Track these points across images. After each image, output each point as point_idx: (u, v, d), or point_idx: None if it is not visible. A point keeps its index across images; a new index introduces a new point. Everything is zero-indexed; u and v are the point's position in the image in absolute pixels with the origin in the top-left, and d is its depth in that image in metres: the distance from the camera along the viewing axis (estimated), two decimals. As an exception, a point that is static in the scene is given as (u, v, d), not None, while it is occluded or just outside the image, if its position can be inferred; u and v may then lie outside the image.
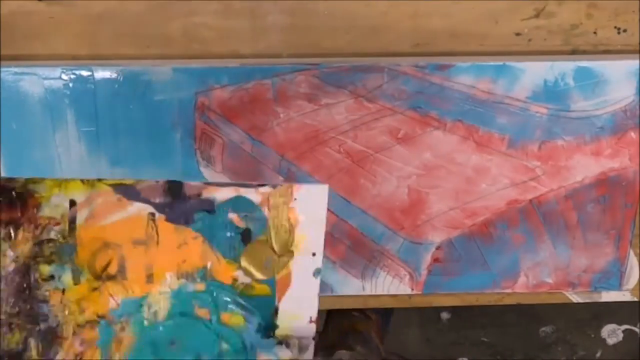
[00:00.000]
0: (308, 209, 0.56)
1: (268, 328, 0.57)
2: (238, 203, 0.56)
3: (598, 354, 1.72)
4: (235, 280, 0.56)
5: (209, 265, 0.56)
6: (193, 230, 0.56)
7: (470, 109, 0.82)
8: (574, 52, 0.82)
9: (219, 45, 0.80)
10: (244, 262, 0.56)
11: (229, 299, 0.56)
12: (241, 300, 0.56)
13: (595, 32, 0.82)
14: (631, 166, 0.85)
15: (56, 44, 0.79)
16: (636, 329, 1.72)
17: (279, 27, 0.80)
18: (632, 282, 0.92)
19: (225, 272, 0.56)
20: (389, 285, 0.89)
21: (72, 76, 0.78)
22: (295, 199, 0.56)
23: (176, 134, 0.82)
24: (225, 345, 0.56)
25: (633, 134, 0.83)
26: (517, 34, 0.81)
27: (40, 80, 0.78)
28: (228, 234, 0.56)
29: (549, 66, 0.80)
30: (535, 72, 0.80)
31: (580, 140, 0.83)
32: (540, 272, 0.90)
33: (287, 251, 0.57)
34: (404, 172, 0.84)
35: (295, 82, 0.80)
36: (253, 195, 0.56)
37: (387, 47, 0.81)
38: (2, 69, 0.78)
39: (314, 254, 0.58)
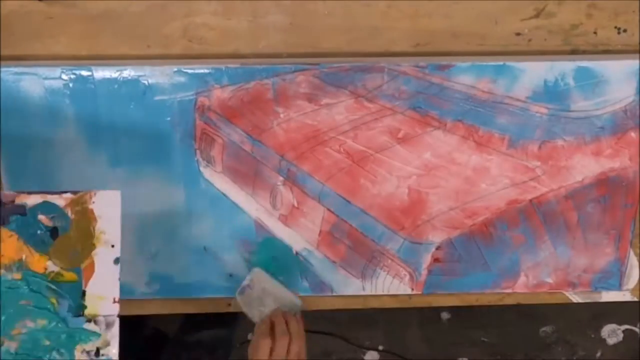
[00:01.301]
0: (104, 210, 0.70)
1: (78, 308, 0.70)
2: (46, 207, 0.69)
3: (598, 354, 1.72)
4: (46, 269, 0.69)
5: (23, 257, 0.69)
6: (9, 230, 0.69)
7: (470, 109, 0.82)
8: (574, 52, 0.82)
9: (219, 45, 0.80)
10: (53, 255, 0.69)
11: (42, 285, 0.69)
12: (52, 286, 0.69)
13: (595, 32, 0.82)
14: (631, 166, 0.85)
15: (56, 44, 0.79)
16: (636, 329, 1.72)
17: (279, 27, 0.80)
18: (632, 282, 0.92)
19: (38, 263, 0.69)
20: (389, 285, 0.89)
21: (72, 76, 0.78)
22: (93, 202, 0.70)
23: (176, 134, 0.82)
24: (42, 322, 0.70)
25: (633, 134, 0.83)
26: (517, 34, 0.81)
27: (40, 80, 0.78)
28: (38, 232, 0.69)
29: (549, 66, 0.80)
30: (535, 72, 0.80)
31: (580, 140, 0.83)
32: (540, 272, 0.90)
33: (90, 244, 0.70)
34: (404, 172, 0.84)
35: (295, 82, 0.80)
36: (58, 200, 0.70)
37: (387, 47, 0.81)
38: (2, 69, 0.78)
39: (112, 246, 0.70)
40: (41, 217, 0.69)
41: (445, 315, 1.61)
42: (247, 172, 0.84)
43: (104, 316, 0.70)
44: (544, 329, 1.70)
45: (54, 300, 0.70)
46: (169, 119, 0.81)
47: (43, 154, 0.82)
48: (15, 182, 0.83)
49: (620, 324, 1.72)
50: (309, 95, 0.80)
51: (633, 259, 0.90)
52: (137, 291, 0.89)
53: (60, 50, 0.80)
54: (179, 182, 0.84)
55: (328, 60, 0.80)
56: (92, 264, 0.70)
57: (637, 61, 0.80)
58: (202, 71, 0.79)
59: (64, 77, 0.78)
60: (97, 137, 0.81)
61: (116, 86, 0.79)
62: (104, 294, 0.70)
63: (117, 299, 0.70)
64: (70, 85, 0.79)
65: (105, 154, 0.82)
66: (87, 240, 0.70)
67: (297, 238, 0.87)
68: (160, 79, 0.79)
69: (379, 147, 0.83)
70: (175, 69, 0.79)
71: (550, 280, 0.90)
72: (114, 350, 0.71)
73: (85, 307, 0.70)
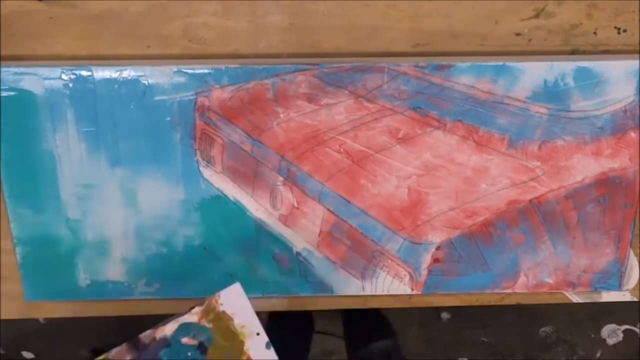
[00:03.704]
0: (234, 305, 0.72)
1: None
2: (183, 329, 0.70)
3: (598, 354, 1.72)
4: None
5: None
6: (164, 365, 0.70)
7: (470, 109, 0.82)
8: (574, 52, 0.82)
9: (219, 45, 0.80)
10: None
11: None
12: None
13: (595, 32, 0.82)
14: (631, 166, 0.85)
15: (56, 44, 0.79)
16: (636, 329, 1.72)
17: (279, 27, 0.80)
18: (632, 282, 0.92)
19: None
20: (389, 285, 0.89)
21: (72, 76, 0.78)
22: (222, 304, 0.72)
23: (176, 134, 0.82)
24: None
25: (633, 134, 0.83)
26: (517, 34, 0.81)
27: (40, 80, 0.78)
28: (189, 354, 0.70)
29: (549, 66, 0.80)
30: (535, 72, 0.80)
31: (580, 140, 0.83)
32: (540, 272, 0.90)
33: (238, 343, 0.71)
34: (404, 172, 0.84)
35: (295, 82, 0.80)
36: (191, 318, 0.71)
37: (387, 47, 0.81)
38: (2, 69, 0.78)
39: (257, 334, 0.71)
40: (184, 340, 0.70)
41: (445, 315, 1.61)
42: (247, 172, 0.84)
43: None
44: (544, 329, 1.70)
45: None
46: (169, 119, 0.81)
47: (43, 154, 0.82)
48: (14, 182, 0.83)
49: (620, 324, 1.72)
50: (309, 95, 0.80)
51: (633, 259, 0.90)
52: (137, 291, 0.89)
53: (60, 50, 0.80)
54: (179, 182, 0.84)
55: (328, 60, 0.80)
56: (248, 358, 0.71)
57: (637, 61, 0.80)
58: (202, 71, 0.79)
59: (64, 77, 0.78)
60: (97, 137, 0.81)
61: (116, 86, 0.79)
62: None
63: None
64: (70, 85, 0.79)
65: (105, 154, 0.82)
66: (233, 341, 0.71)
67: (297, 238, 0.87)
68: (160, 79, 0.79)
69: (378, 147, 0.83)
70: (175, 69, 0.79)
71: (550, 280, 0.90)
72: None
73: None
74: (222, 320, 0.71)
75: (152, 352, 0.69)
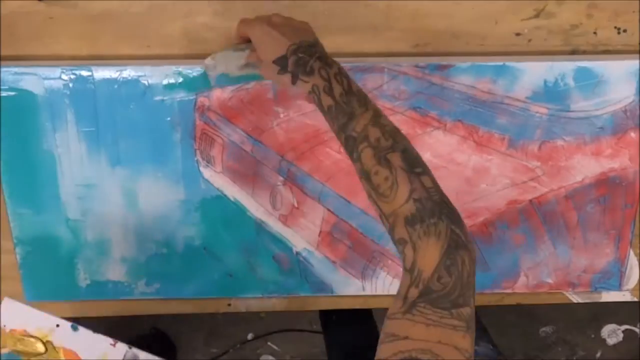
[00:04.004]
0: (16, 320, 0.71)
1: None
2: None
3: (598, 354, 1.72)
4: None
5: None
6: None
7: (470, 109, 0.82)
8: (574, 52, 0.82)
9: (219, 45, 0.80)
10: None
11: None
12: None
13: (595, 32, 0.81)
14: (631, 166, 0.85)
15: (56, 44, 0.79)
16: (636, 329, 1.72)
17: (279, 27, 0.79)
18: (632, 282, 0.92)
19: None
20: (389, 285, 0.89)
21: (72, 76, 0.78)
22: (4, 326, 0.71)
23: (176, 134, 0.82)
24: None
25: (633, 134, 0.83)
26: (517, 34, 0.81)
27: (40, 80, 0.78)
28: None
29: (549, 66, 0.80)
30: (535, 72, 0.80)
31: (580, 140, 0.83)
32: (540, 272, 0.90)
33: (45, 344, 0.71)
34: (404, 172, 0.84)
35: (295, 82, 0.80)
36: None
37: (387, 47, 0.81)
38: (2, 69, 0.78)
39: (57, 325, 0.71)
40: None
41: (445, 315, 1.61)
42: (247, 172, 0.84)
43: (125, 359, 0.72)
44: (544, 329, 1.70)
45: None
46: (169, 119, 0.81)
47: (43, 154, 0.82)
48: (14, 182, 0.83)
49: (620, 324, 1.72)
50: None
51: (633, 259, 0.90)
52: (137, 291, 0.89)
53: (60, 50, 0.79)
54: (179, 182, 0.84)
55: (328, 60, 0.79)
56: (65, 350, 0.71)
57: (637, 61, 0.80)
58: (202, 71, 0.79)
59: (64, 77, 0.78)
60: (97, 137, 0.81)
61: (116, 86, 0.79)
62: (100, 352, 0.71)
63: (113, 342, 0.71)
64: (70, 85, 0.79)
65: (105, 153, 0.82)
66: (37, 346, 0.71)
67: (297, 238, 0.87)
68: (160, 79, 0.79)
69: (379, 147, 0.83)
70: (175, 69, 0.79)
71: (550, 280, 0.90)
72: None
73: None
74: (16, 338, 0.70)
75: None
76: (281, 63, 0.67)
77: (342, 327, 1.14)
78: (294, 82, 0.66)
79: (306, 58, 0.65)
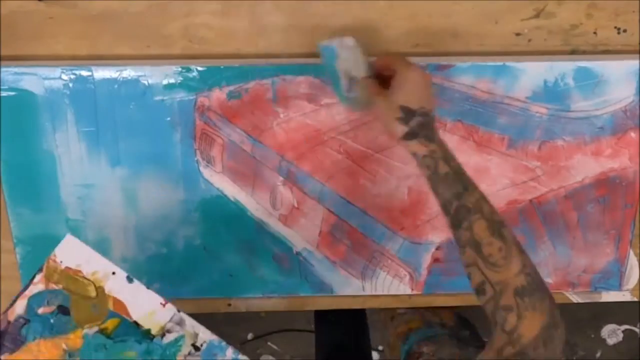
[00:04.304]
0: (75, 258, 0.70)
1: (146, 336, 0.70)
2: (36, 299, 0.69)
3: (598, 354, 1.72)
4: (90, 336, 0.70)
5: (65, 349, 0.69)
6: (33, 342, 0.68)
7: (470, 109, 0.82)
8: (574, 52, 0.82)
9: (219, 45, 0.80)
10: (82, 324, 0.69)
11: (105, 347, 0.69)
12: (111, 341, 0.70)
13: (595, 32, 0.81)
14: (631, 166, 0.85)
15: (56, 44, 0.79)
16: (636, 329, 1.72)
17: (279, 27, 0.80)
18: (632, 282, 0.92)
19: (75, 340, 0.69)
20: (389, 285, 0.89)
21: (72, 76, 0.78)
22: (61, 262, 0.70)
23: (176, 134, 0.82)
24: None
25: (633, 134, 0.83)
26: (517, 34, 0.81)
27: (40, 80, 0.78)
28: (52, 321, 0.69)
29: (549, 66, 0.80)
30: (535, 72, 0.80)
31: (580, 140, 0.83)
32: (540, 272, 0.90)
33: (97, 288, 0.70)
34: (404, 172, 0.84)
35: (295, 82, 0.80)
36: (36, 288, 0.69)
37: (387, 47, 0.81)
38: (2, 69, 0.78)
39: (113, 273, 0.70)
40: (40, 310, 0.69)
41: (445, 315, 1.61)
42: (247, 172, 0.84)
43: (170, 322, 0.70)
44: (543, 329, 1.70)
45: (129, 354, 0.69)
46: (169, 119, 0.81)
47: (43, 154, 0.82)
48: (14, 182, 0.83)
49: (620, 324, 1.72)
50: (309, 95, 0.80)
51: (633, 259, 0.90)
52: (137, 291, 0.89)
53: (60, 50, 0.80)
54: (179, 182, 0.84)
55: (328, 60, 0.80)
56: (115, 299, 0.69)
57: (637, 61, 0.80)
58: (202, 71, 0.79)
59: (64, 77, 0.78)
60: (97, 137, 0.81)
61: (116, 86, 0.79)
62: (149, 309, 0.70)
63: (163, 302, 0.70)
64: (70, 85, 0.79)
65: (105, 153, 0.82)
66: (91, 290, 0.69)
67: (297, 238, 0.87)
68: (160, 79, 0.79)
69: (379, 147, 0.83)
70: (175, 69, 0.79)
71: (550, 280, 0.90)
72: (207, 333, 0.71)
73: (149, 330, 0.70)
74: (69, 277, 0.69)
75: (13, 334, 0.68)
76: (406, 115, 0.68)
77: (334, 326, 1.16)
78: (407, 139, 0.69)
79: (431, 124, 0.69)
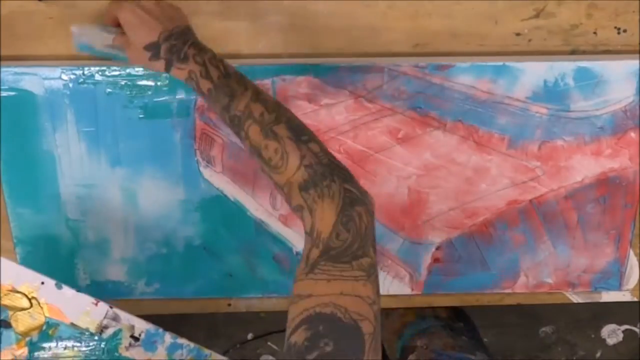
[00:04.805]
0: (5, 275, 0.75)
1: (85, 333, 0.76)
2: None
3: (598, 354, 1.72)
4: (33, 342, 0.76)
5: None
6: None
7: (470, 109, 0.82)
8: (574, 52, 0.82)
9: (219, 45, 0.80)
10: (24, 335, 0.75)
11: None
12: (55, 342, 0.76)
13: (595, 32, 0.81)
14: (631, 166, 0.85)
15: (56, 44, 0.79)
16: (636, 329, 1.72)
17: (279, 27, 0.80)
18: (632, 282, 0.92)
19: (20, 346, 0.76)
20: (389, 285, 0.89)
21: (72, 76, 0.78)
22: None
23: (176, 134, 0.82)
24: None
25: (633, 134, 0.83)
26: (517, 34, 0.81)
27: (40, 80, 0.78)
28: None
29: (549, 66, 0.80)
30: (535, 72, 0.80)
31: (580, 140, 0.83)
32: (540, 272, 0.90)
33: (30, 300, 0.75)
34: (404, 172, 0.84)
35: (295, 82, 0.80)
36: None
37: (387, 47, 0.81)
38: (2, 69, 0.78)
39: (42, 283, 0.75)
40: None
41: (445, 315, 1.61)
42: (247, 172, 0.84)
43: (105, 318, 0.75)
44: (544, 329, 1.70)
45: (73, 353, 0.76)
46: (169, 119, 0.81)
47: (43, 154, 0.82)
48: (14, 182, 0.83)
49: (620, 324, 1.72)
50: (309, 95, 0.80)
51: (633, 259, 0.90)
52: (137, 291, 0.89)
53: (60, 50, 0.79)
54: (179, 182, 0.84)
55: (328, 61, 0.80)
56: (49, 306, 0.75)
57: (637, 61, 0.80)
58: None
59: (64, 77, 0.78)
60: (97, 137, 0.81)
61: (116, 86, 0.79)
62: (83, 309, 0.75)
63: (95, 301, 0.75)
64: (70, 85, 0.79)
65: (105, 153, 0.82)
66: (23, 302, 0.74)
67: (297, 238, 0.87)
68: (160, 79, 0.79)
69: (379, 147, 0.83)
70: (175, 69, 0.79)
71: (550, 280, 0.90)
72: (142, 323, 0.76)
73: (87, 329, 0.75)
74: (4, 294, 0.73)
75: None
76: (153, 49, 0.67)
77: None
78: (167, 69, 0.68)
79: (179, 45, 0.67)
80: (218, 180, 0.84)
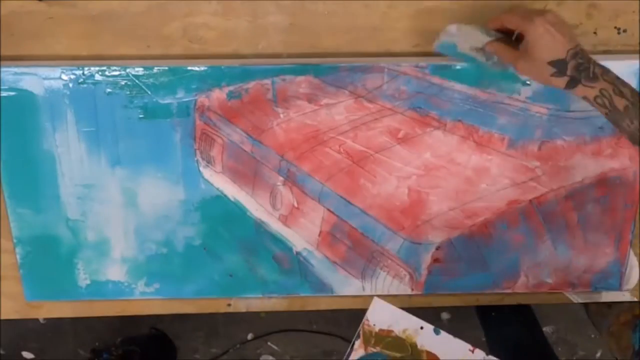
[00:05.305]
0: (384, 319, 0.75)
1: None
2: None
3: (598, 354, 1.71)
4: None
5: None
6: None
7: (470, 109, 0.82)
8: (574, 52, 0.82)
9: (219, 45, 0.80)
10: None
11: None
12: None
13: (595, 32, 0.81)
14: (631, 166, 0.85)
15: (56, 44, 0.79)
16: (636, 329, 1.72)
17: (279, 27, 0.80)
18: (632, 282, 0.92)
19: None
20: (389, 285, 0.89)
21: (72, 76, 0.78)
22: (374, 325, 0.74)
23: (176, 134, 0.82)
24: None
25: (633, 134, 0.83)
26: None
27: (40, 80, 0.78)
28: None
29: (549, 66, 0.80)
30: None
31: (580, 140, 0.83)
32: (540, 272, 0.90)
33: (410, 346, 0.74)
34: (404, 172, 0.84)
35: (295, 82, 0.80)
36: (357, 354, 0.73)
37: (387, 47, 0.81)
38: (2, 69, 0.78)
39: (421, 328, 0.74)
40: None
41: (445, 315, 1.61)
42: (247, 172, 0.84)
43: None
44: (544, 329, 1.70)
45: None
46: (169, 119, 0.81)
47: (43, 154, 0.82)
48: (14, 182, 0.83)
49: (620, 324, 1.71)
50: (309, 95, 0.80)
51: (633, 259, 0.90)
52: (137, 291, 0.89)
53: (60, 50, 0.80)
54: (179, 182, 0.84)
55: (328, 61, 0.80)
56: (428, 352, 0.73)
57: (637, 61, 0.80)
58: (202, 71, 0.79)
59: (64, 77, 0.78)
60: (97, 137, 0.81)
61: (116, 86, 0.79)
62: (459, 356, 0.73)
63: (471, 348, 0.73)
64: (70, 85, 0.79)
65: (105, 154, 0.82)
66: (405, 348, 0.73)
67: (297, 238, 0.87)
68: (160, 79, 0.79)
69: (378, 147, 0.83)
70: (175, 69, 0.79)
71: (550, 280, 0.90)
72: None
73: None
74: (384, 338, 0.73)
75: None
76: (559, 66, 0.67)
77: (504, 323, 1.14)
78: (571, 87, 0.68)
79: (586, 63, 0.67)
80: (218, 180, 0.84)
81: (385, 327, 0.73)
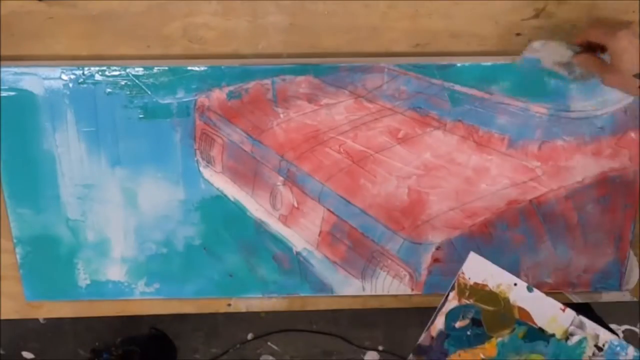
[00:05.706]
0: (480, 273, 0.75)
1: (545, 336, 0.75)
2: (451, 316, 0.75)
3: (598, 354, 1.71)
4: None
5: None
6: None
7: (470, 109, 0.82)
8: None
9: (219, 45, 0.80)
10: (497, 335, 0.75)
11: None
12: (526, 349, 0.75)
13: (595, 32, 0.81)
14: (631, 166, 0.85)
15: (56, 44, 0.79)
16: (636, 329, 1.72)
17: (279, 27, 0.80)
18: (632, 283, 0.92)
19: (491, 349, 0.75)
20: (389, 285, 0.89)
21: (72, 76, 0.78)
22: (469, 278, 0.75)
23: (176, 134, 0.82)
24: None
25: (633, 134, 0.83)
26: (517, 34, 0.81)
27: (40, 80, 0.78)
28: (469, 333, 0.75)
29: (549, 66, 0.80)
30: (535, 72, 0.80)
31: (580, 140, 0.83)
32: (540, 272, 0.90)
33: (503, 300, 0.75)
34: (404, 172, 0.84)
35: (295, 82, 0.80)
36: (451, 304, 0.75)
37: (387, 47, 0.81)
38: (2, 69, 0.78)
39: (515, 284, 0.75)
40: (457, 324, 0.74)
41: (445, 315, 1.61)
42: (247, 172, 0.84)
43: (571, 325, 0.74)
44: (544, 329, 1.70)
45: (537, 357, 0.75)
46: (169, 119, 0.81)
47: (43, 154, 0.82)
48: (14, 182, 0.83)
49: (620, 324, 1.72)
50: (309, 95, 0.80)
51: (633, 259, 0.90)
52: (137, 291, 0.89)
53: (60, 50, 0.80)
54: (179, 182, 0.84)
55: (328, 61, 0.80)
56: (520, 308, 0.74)
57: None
58: (202, 71, 0.79)
59: (64, 77, 0.78)
60: (97, 137, 0.81)
61: (116, 86, 0.79)
62: (550, 315, 0.74)
63: (562, 307, 0.73)
64: (70, 85, 0.79)
65: (105, 153, 0.82)
66: (498, 302, 0.74)
67: (297, 238, 0.87)
68: (160, 79, 0.79)
69: (378, 147, 0.83)
70: (175, 69, 0.79)
71: (550, 280, 0.90)
72: (607, 334, 0.73)
73: (553, 335, 0.73)
74: (478, 291, 0.74)
75: (437, 348, 0.74)
76: None
77: None
78: None
79: None
80: (218, 180, 0.84)
81: (479, 281, 0.74)
